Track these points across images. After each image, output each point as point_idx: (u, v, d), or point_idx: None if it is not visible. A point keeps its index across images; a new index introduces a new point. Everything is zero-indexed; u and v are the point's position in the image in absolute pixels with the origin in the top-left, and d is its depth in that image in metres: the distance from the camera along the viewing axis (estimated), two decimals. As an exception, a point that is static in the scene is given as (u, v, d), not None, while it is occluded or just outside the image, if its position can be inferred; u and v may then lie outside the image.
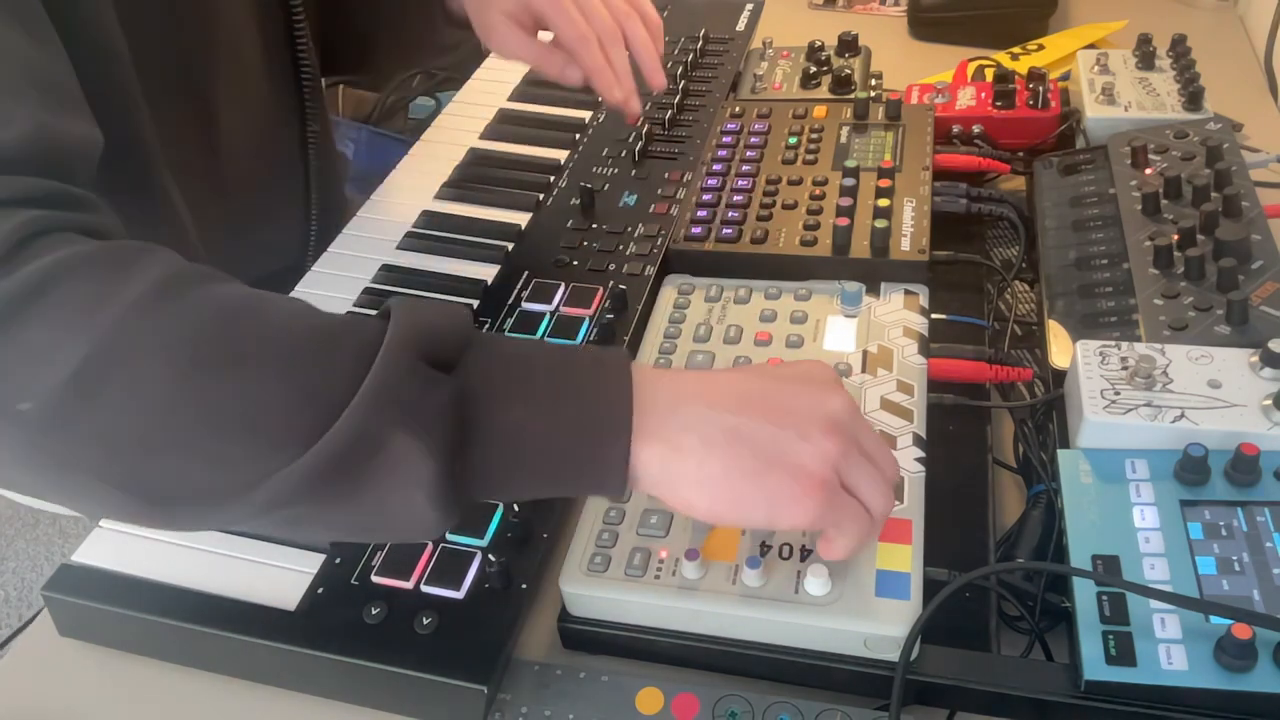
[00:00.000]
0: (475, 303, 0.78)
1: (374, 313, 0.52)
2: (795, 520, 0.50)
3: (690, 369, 0.60)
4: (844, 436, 0.51)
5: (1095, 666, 0.52)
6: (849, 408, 0.53)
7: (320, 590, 0.59)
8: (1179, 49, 0.99)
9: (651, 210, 0.87)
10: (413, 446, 0.46)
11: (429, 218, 0.88)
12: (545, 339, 0.67)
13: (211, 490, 0.46)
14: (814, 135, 0.92)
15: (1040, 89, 0.96)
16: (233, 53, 0.83)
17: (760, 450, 0.50)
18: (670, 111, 0.98)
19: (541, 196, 0.89)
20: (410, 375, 0.46)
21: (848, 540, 0.52)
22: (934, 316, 0.76)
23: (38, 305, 0.45)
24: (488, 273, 0.82)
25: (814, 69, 1.03)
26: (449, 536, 0.61)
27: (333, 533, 0.56)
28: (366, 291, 0.80)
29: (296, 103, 0.92)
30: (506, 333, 0.75)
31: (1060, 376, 0.69)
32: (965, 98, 0.98)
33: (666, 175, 0.91)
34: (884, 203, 0.81)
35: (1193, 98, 0.92)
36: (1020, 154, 0.95)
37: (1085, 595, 0.55)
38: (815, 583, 0.55)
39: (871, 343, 0.72)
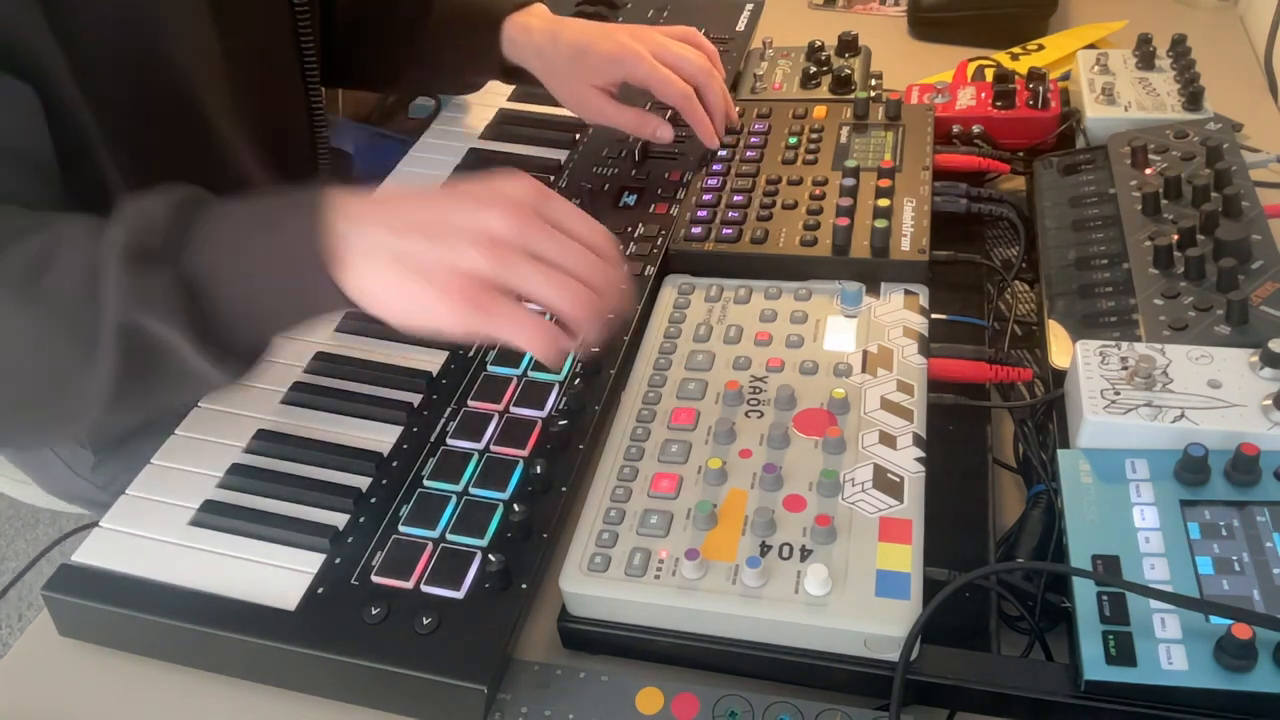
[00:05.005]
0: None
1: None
2: (444, 326, 0.54)
3: (383, 196, 0.61)
4: (496, 248, 0.54)
5: (1095, 666, 0.52)
6: (511, 220, 0.55)
7: (320, 590, 0.59)
8: (1179, 49, 0.99)
9: (651, 210, 0.87)
10: (165, 330, 0.53)
11: (429, 218, 0.87)
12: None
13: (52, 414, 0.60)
14: (814, 135, 0.92)
15: (1040, 89, 0.96)
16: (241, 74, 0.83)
17: (415, 266, 0.54)
18: (670, 112, 0.98)
19: (541, 196, 0.89)
20: (135, 280, 0.53)
21: (523, 343, 0.54)
22: (934, 316, 0.76)
23: None
24: (488, 273, 0.81)
25: (814, 69, 1.03)
26: (449, 536, 0.61)
27: (160, 404, 0.61)
28: (366, 291, 0.80)
29: (304, 105, 0.92)
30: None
31: (1060, 376, 0.69)
32: (965, 98, 0.98)
33: (666, 175, 0.91)
34: (884, 203, 0.81)
35: (1193, 98, 0.92)
36: (1020, 154, 0.95)
37: (1085, 595, 0.55)
38: (815, 583, 0.55)
39: (871, 343, 0.72)
